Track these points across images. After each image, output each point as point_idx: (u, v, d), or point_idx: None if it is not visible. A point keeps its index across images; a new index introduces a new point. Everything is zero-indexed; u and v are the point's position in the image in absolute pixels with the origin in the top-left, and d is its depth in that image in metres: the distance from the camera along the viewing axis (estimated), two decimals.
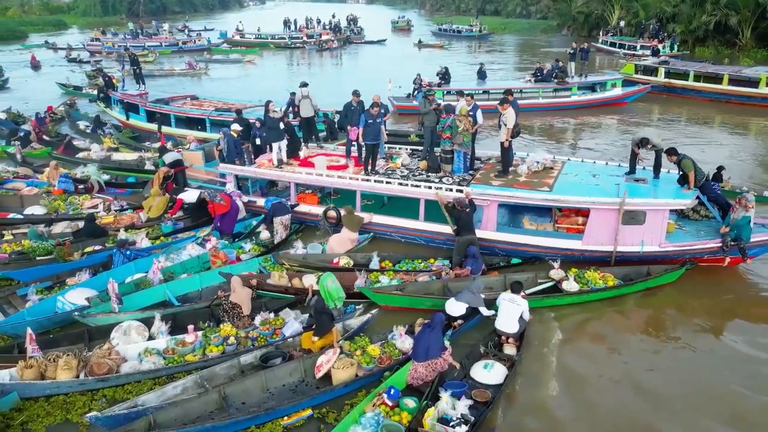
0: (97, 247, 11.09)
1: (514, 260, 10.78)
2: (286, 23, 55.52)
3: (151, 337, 8.26)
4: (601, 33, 48.14)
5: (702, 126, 22.81)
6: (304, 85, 14.72)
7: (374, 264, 10.60)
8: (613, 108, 25.01)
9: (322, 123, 15.95)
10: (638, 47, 39.65)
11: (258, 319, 8.64)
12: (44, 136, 19.28)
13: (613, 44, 43.60)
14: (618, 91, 25.28)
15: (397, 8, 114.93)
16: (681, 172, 10.38)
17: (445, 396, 6.87)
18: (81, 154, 17.51)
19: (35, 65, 38.90)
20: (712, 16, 39.67)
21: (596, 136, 21.23)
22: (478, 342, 8.34)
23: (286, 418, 6.91)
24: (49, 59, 42.27)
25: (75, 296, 9.08)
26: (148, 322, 8.45)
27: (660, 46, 37.14)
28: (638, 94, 25.80)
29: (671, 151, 10.45)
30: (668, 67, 28.40)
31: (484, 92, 23.28)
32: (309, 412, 7.07)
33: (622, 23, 47.46)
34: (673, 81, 27.87)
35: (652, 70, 28.73)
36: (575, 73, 26.86)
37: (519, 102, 22.97)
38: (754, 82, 25.13)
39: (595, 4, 52.22)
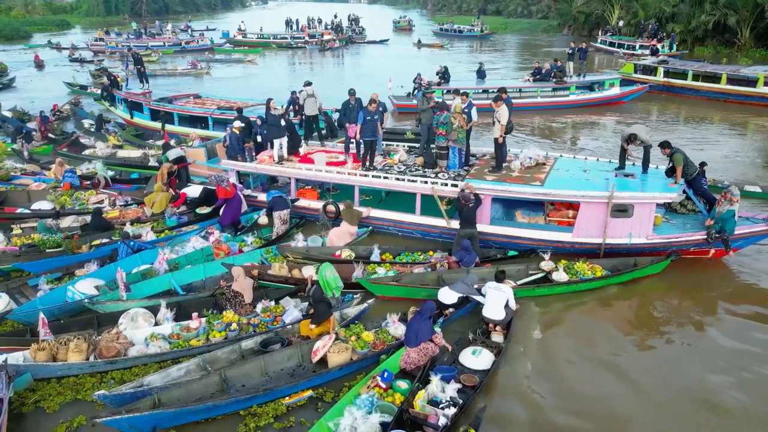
0: (104, 240, 11.46)
1: (511, 252, 11.10)
2: (288, 23, 55.94)
3: (157, 324, 8.63)
4: (600, 33, 48.48)
5: (700, 125, 23.07)
6: (309, 84, 15.05)
7: (375, 256, 10.93)
8: (612, 107, 25.29)
9: (322, 121, 16.29)
10: (637, 47, 39.94)
11: (259, 307, 9.01)
12: (49, 134, 19.68)
13: (612, 44, 43.92)
14: (616, 91, 25.57)
15: (399, 8, 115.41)
16: (671, 165, 10.72)
17: (435, 379, 7.18)
18: (87, 151, 17.97)
19: (39, 64, 39.43)
20: (711, 15, 39.97)
21: (594, 135, 21.53)
22: (467, 330, 8.68)
23: (287, 398, 7.26)
24: (53, 59, 42.75)
25: (84, 286, 9.45)
26: (154, 310, 8.82)
27: (659, 46, 37.46)
28: (636, 94, 26.06)
29: (665, 145, 10.78)
30: (667, 67, 28.70)
31: (483, 91, 23.56)
32: (310, 392, 7.41)
33: (621, 23, 47.77)
34: (672, 80, 28.19)
35: (651, 70, 29.00)
36: (573, 72, 27.15)
37: (518, 101, 23.61)
38: (752, 82, 25.42)
39: (595, 4, 52.51)
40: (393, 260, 10.92)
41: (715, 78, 26.62)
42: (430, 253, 11.11)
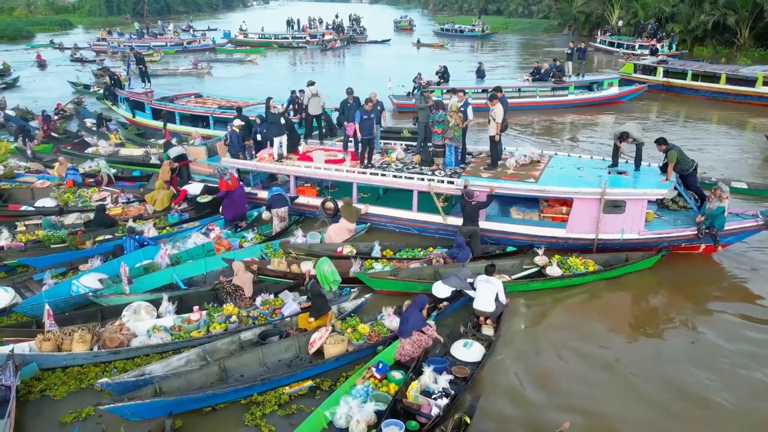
0: (108, 236, 11.71)
1: (510, 248, 11.24)
2: (290, 23, 56.17)
3: (158, 316, 8.85)
4: (599, 33, 48.65)
5: (699, 124, 23.20)
6: (312, 83, 15.23)
7: (376, 252, 11.12)
8: (611, 107, 25.44)
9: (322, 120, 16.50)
10: (636, 47, 40.07)
11: (258, 300, 9.24)
12: (52, 133, 19.93)
13: (611, 44, 44.07)
14: (615, 90, 25.75)
15: (400, 8, 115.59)
16: (666, 161, 10.91)
17: (427, 371, 7.39)
18: (90, 150, 18.23)
19: (41, 64, 39.76)
20: (710, 15, 40.13)
21: (592, 134, 21.65)
22: (460, 323, 8.86)
23: (288, 387, 7.48)
24: (55, 59, 43.06)
25: (89, 280, 9.68)
26: (156, 303, 9.04)
27: (658, 46, 37.62)
28: (635, 93, 26.23)
29: (661, 141, 10.99)
30: (667, 67, 28.84)
31: (483, 90, 23.73)
32: (310, 382, 7.62)
33: (621, 23, 47.94)
34: (671, 80, 28.34)
35: (650, 70, 29.14)
36: (572, 72, 27.32)
37: (517, 101, 23.83)
38: (751, 81, 25.57)
39: (595, 4, 52.68)
40: (394, 256, 11.10)
41: (714, 78, 26.76)
42: (430, 249, 11.28)
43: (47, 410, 7.18)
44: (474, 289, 8.98)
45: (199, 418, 7.07)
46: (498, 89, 12.12)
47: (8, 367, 7.15)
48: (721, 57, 38.28)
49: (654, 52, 35.71)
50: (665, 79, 28.51)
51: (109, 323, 8.43)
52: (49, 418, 7.06)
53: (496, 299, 8.64)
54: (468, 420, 6.59)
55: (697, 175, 11.24)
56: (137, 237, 10.92)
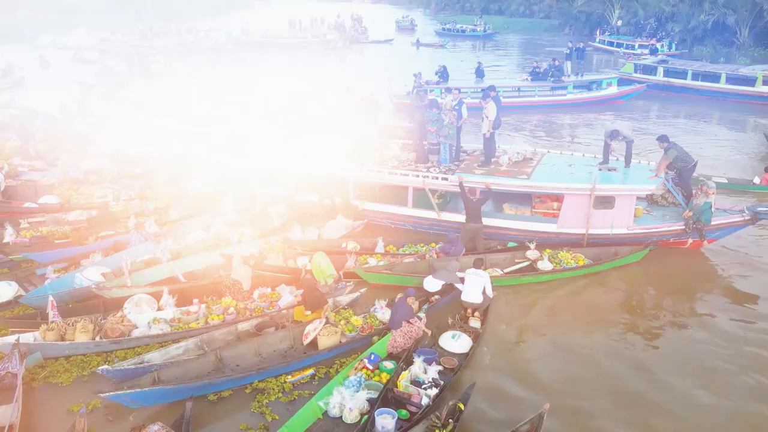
0: (110, 232, 11.96)
1: (511, 244, 11.41)
2: (292, 23, 56.42)
3: (159, 309, 9.09)
4: (598, 32, 48.81)
5: (699, 123, 23.37)
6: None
7: (380, 248, 11.32)
8: (611, 106, 25.55)
9: None
10: (636, 46, 40.19)
11: (256, 293, 9.49)
12: (56, 132, 20.13)
13: (611, 43, 44.18)
14: (614, 90, 25.90)
15: (402, 7, 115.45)
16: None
17: (417, 361, 7.62)
18: (93, 148, 18.43)
19: (44, 64, 40.04)
20: (710, 15, 40.30)
21: (591, 133, 21.79)
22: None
23: (290, 375, 7.74)
24: (58, 59, 43.34)
25: (92, 273, 9.94)
26: (157, 296, 9.28)
27: (658, 45, 37.73)
28: (633, 93, 26.36)
29: (662, 138, 11.26)
30: (667, 66, 28.95)
31: (482, 90, 23.84)
32: (311, 371, 7.88)
33: (620, 23, 48.07)
34: (671, 80, 28.43)
35: (651, 69, 29.25)
36: (571, 72, 27.46)
37: (516, 100, 23.97)
38: (751, 81, 25.69)
39: (595, 4, 52.82)
40: (398, 252, 11.29)
41: (714, 77, 26.86)
42: (432, 245, 11.39)
43: (52, 396, 7.44)
44: (462, 282, 9.19)
45: (207, 406, 7.29)
46: (492, 88, 12.35)
47: (14, 355, 7.44)
48: (720, 56, 38.37)
49: (654, 51, 35.83)
50: (665, 78, 28.60)
51: (111, 315, 8.69)
52: (54, 403, 7.31)
53: (484, 291, 8.86)
54: (462, 407, 6.80)
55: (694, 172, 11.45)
56: (143, 232, 11.18)
